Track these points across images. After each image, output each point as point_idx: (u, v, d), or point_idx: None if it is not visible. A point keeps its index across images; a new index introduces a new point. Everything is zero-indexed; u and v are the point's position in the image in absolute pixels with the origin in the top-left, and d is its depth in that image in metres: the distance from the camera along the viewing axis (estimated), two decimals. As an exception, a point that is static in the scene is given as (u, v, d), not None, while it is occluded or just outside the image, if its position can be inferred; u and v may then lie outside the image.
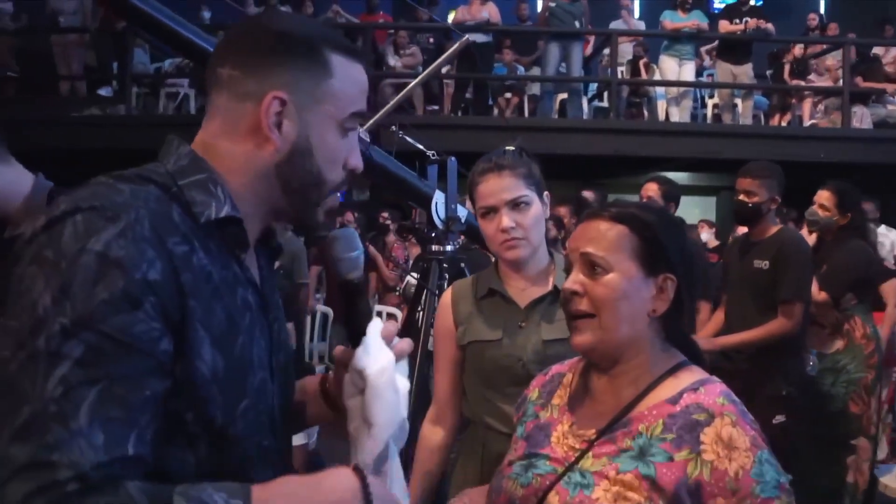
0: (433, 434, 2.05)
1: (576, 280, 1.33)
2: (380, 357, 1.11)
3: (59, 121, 8.33)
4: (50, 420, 0.82)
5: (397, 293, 5.48)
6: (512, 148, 1.96)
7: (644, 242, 1.32)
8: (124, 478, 0.85)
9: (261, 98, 1.04)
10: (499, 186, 1.89)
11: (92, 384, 0.85)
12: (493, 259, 2.09)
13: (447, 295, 2.06)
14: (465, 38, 2.68)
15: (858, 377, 3.69)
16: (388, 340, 1.14)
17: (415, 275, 4.23)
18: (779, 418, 3.44)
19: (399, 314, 5.87)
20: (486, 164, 1.94)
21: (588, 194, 6.94)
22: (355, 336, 1.14)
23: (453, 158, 2.74)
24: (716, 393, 1.28)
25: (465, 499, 1.51)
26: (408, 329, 3.24)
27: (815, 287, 3.57)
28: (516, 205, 1.89)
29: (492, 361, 1.93)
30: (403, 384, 1.13)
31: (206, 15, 10.23)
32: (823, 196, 3.80)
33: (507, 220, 1.88)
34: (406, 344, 1.17)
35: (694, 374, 1.33)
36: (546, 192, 1.96)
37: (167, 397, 0.92)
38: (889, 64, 9.46)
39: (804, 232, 3.81)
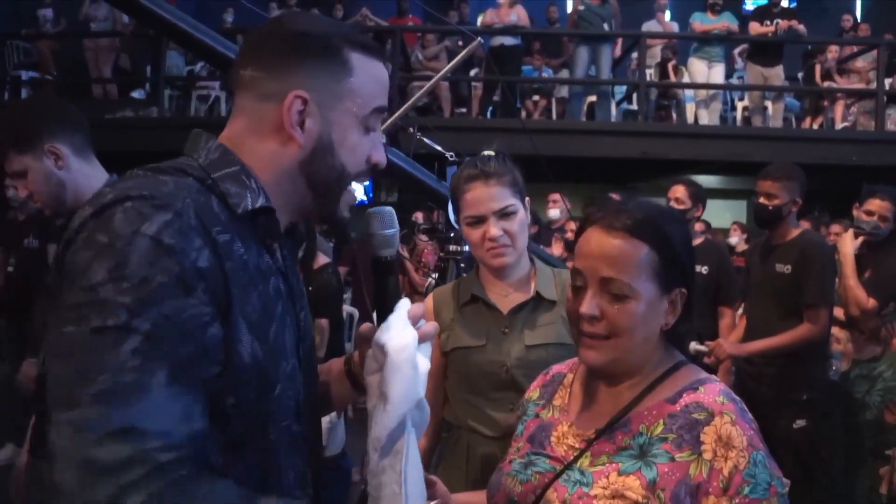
0: None
1: (593, 304, 1.27)
2: (402, 334, 1.12)
3: (92, 123, 8.47)
4: (130, 389, 0.85)
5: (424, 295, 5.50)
6: (493, 152, 1.96)
7: (663, 260, 1.27)
8: (198, 453, 0.90)
9: (283, 98, 1.06)
10: (486, 195, 1.90)
11: (161, 358, 0.88)
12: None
13: (428, 302, 2.07)
14: (477, 41, 2.69)
15: (895, 385, 3.61)
16: (413, 321, 1.15)
17: (435, 275, 4.26)
18: (799, 423, 3.41)
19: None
20: (471, 171, 1.93)
21: (616, 197, 6.92)
22: (382, 313, 1.16)
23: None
24: (715, 392, 1.27)
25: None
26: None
27: (863, 294, 3.49)
28: (504, 214, 1.90)
29: (476, 367, 1.94)
30: (424, 364, 1.13)
31: (230, 18, 10.35)
32: (881, 206, 3.62)
33: (495, 229, 1.89)
34: (431, 327, 1.18)
35: (693, 373, 1.33)
36: (527, 198, 1.97)
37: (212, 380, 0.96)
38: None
39: (850, 235, 3.69)
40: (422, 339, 1.14)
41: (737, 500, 1.17)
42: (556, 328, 1.95)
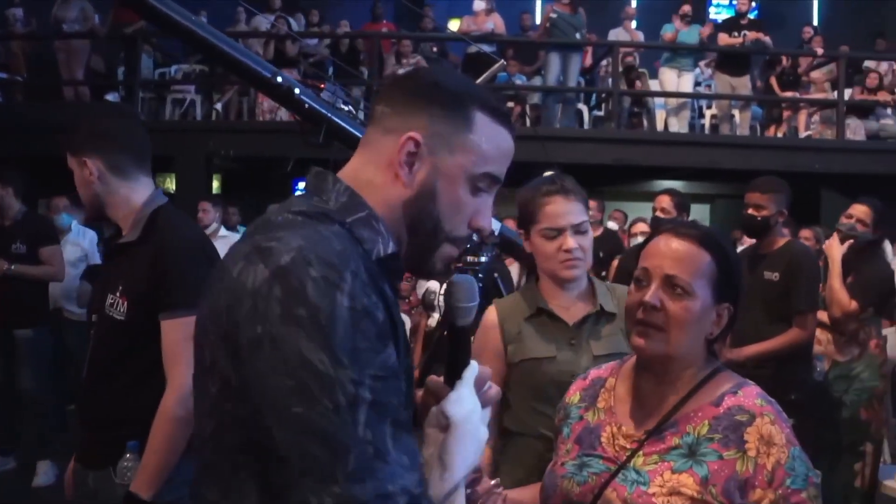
0: None
1: (656, 295, 1.40)
2: (468, 406, 1.16)
3: (65, 126, 8.34)
4: (373, 460, 0.95)
5: (407, 301, 5.58)
6: (553, 172, 2.10)
7: (720, 273, 1.42)
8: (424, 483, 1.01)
9: (400, 135, 1.11)
10: (566, 209, 2.01)
11: (384, 419, 0.97)
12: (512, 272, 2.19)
13: (492, 315, 2.15)
14: (500, 63, 2.77)
15: (871, 385, 3.84)
16: (479, 386, 1.20)
17: (436, 283, 4.33)
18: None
19: (408, 320, 5.93)
20: (551, 186, 2.05)
21: (591, 203, 7.11)
22: (451, 378, 1.19)
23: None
24: (753, 395, 1.43)
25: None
26: (439, 340, 3.34)
27: (845, 297, 3.70)
28: (579, 229, 2.02)
29: (546, 377, 2.03)
30: (483, 433, 1.18)
31: (203, 20, 10.26)
32: (863, 211, 3.88)
33: (572, 241, 2.01)
34: (495, 391, 1.24)
35: (730, 379, 1.47)
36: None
37: None
38: (878, 76, 9.64)
39: (836, 240, 3.92)
40: (485, 404, 1.20)
41: (780, 492, 1.33)
42: (618, 339, 2.05)
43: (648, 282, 1.43)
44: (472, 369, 1.19)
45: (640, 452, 1.42)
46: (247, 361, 0.98)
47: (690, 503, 1.34)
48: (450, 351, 1.22)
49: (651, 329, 1.41)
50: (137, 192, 2.13)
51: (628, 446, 1.45)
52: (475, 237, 2.73)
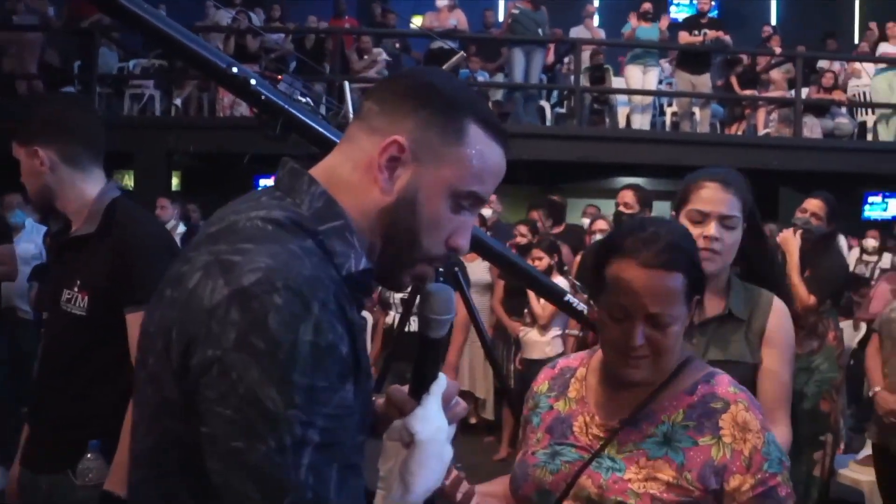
0: None
1: (641, 336, 1.38)
2: (435, 424, 1.10)
3: (18, 121, 8.14)
4: None
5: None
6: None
7: (689, 279, 1.41)
8: None
9: (385, 136, 1.03)
10: (720, 198, 1.93)
11: (331, 462, 0.91)
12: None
13: None
14: (460, 55, 2.73)
15: (830, 377, 3.90)
16: (447, 401, 1.14)
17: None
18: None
19: (369, 317, 5.90)
20: (714, 174, 1.99)
21: (556, 199, 7.16)
22: (417, 390, 1.13)
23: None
24: (726, 383, 1.45)
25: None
26: (398, 337, 3.31)
27: (804, 291, 3.76)
28: (727, 223, 1.93)
29: None
30: (448, 452, 1.12)
31: (162, 13, 10.09)
32: (816, 205, 3.96)
33: (714, 230, 1.91)
34: (461, 408, 1.18)
35: (701, 368, 1.49)
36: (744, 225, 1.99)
37: None
38: (833, 76, 9.85)
39: (791, 233, 3.97)
40: (452, 420, 1.14)
41: (759, 476, 1.35)
42: (741, 347, 1.95)
43: (629, 319, 1.40)
44: (441, 384, 1.13)
45: (615, 441, 1.43)
46: (194, 384, 0.92)
47: (666, 488, 1.35)
48: (418, 363, 1.15)
49: (641, 360, 1.41)
50: (91, 185, 2.06)
51: (602, 435, 1.45)
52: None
